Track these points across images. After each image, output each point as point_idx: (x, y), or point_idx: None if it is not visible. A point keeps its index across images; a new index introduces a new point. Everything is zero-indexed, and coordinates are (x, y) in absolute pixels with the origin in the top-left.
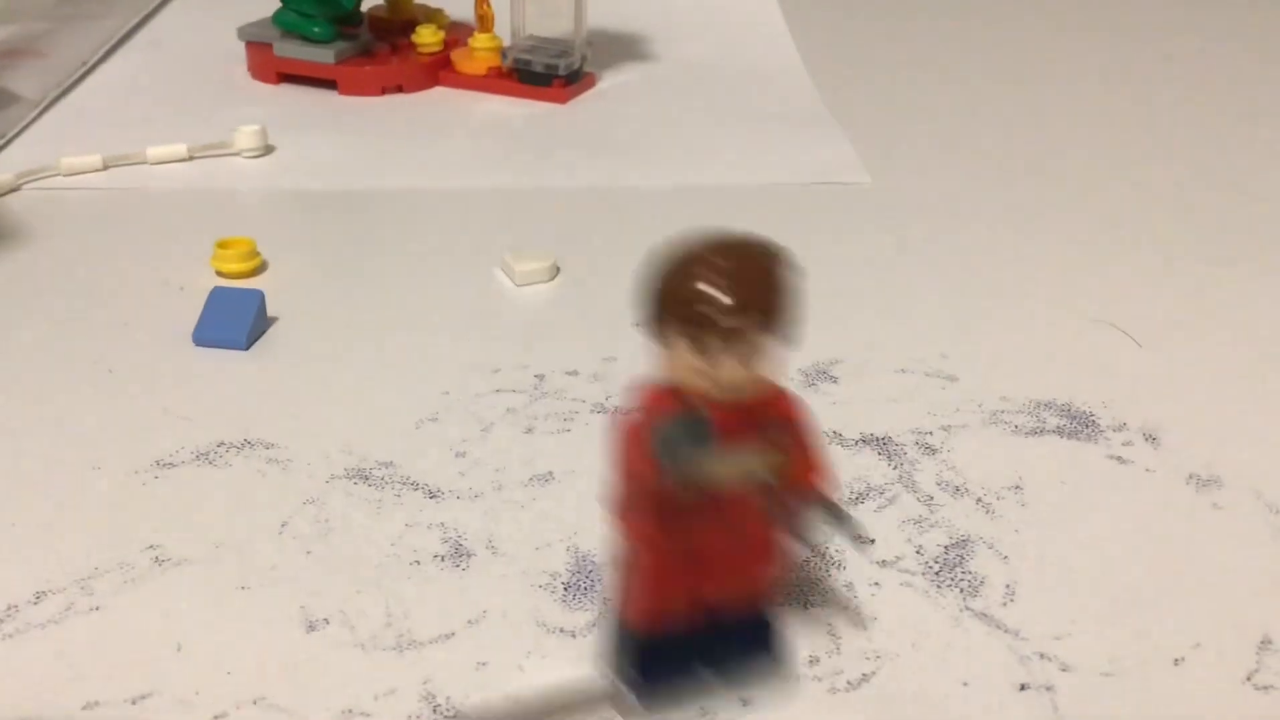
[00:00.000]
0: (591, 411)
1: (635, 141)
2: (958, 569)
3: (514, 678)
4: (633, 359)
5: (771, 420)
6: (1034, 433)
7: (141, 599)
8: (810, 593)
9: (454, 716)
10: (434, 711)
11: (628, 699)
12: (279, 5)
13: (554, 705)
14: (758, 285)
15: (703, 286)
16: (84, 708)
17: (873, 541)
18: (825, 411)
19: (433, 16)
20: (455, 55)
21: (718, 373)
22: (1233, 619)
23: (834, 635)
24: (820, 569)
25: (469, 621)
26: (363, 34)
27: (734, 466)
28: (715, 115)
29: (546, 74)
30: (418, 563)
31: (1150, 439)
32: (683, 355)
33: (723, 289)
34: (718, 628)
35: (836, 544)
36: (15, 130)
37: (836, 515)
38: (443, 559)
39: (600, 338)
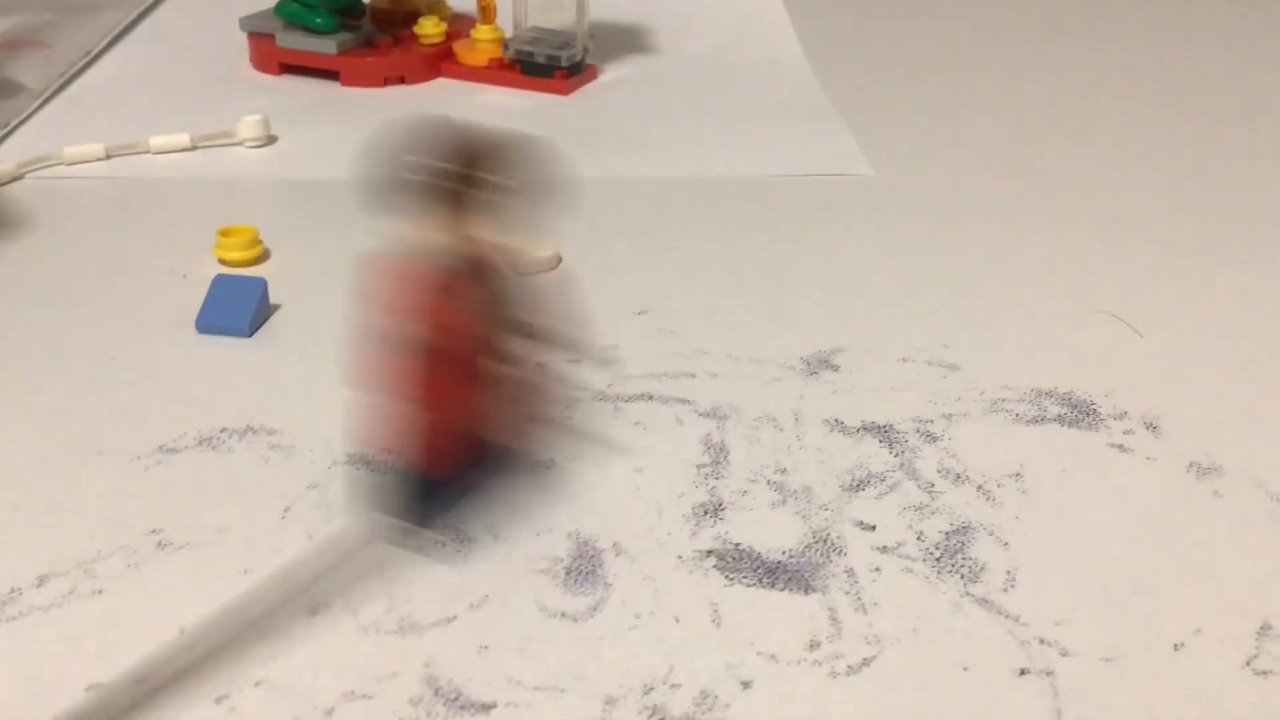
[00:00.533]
0: (594, 399)
1: (637, 133)
2: (959, 555)
3: (514, 661)
4: (633, 347)
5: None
6: (1035, 421)
7: (144, 583)
8: (810, 576)
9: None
10: (435, 694)
11: (415, 534)
12: None
13: (329, 560)
14: (489, 152)
15: (444, 159)
16: (86, 689)
17: (611, 360)
18: (827, 400)
19: (435, 8)
20: (457, 46)
21: (469, 231)
22: (1232, 605)
23: (835, 620)
24: (820, 554)
25: (471, 605)
26: (365, 25)
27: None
28: (717, 107)
29: (549, 65)
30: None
31: (1151, 427)
32: (433, 223)
33: (463, 157)
34: (475, 463)
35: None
36: (18, 120)
37: (574, 345)
38: (444, 544)
39: (602, 326)
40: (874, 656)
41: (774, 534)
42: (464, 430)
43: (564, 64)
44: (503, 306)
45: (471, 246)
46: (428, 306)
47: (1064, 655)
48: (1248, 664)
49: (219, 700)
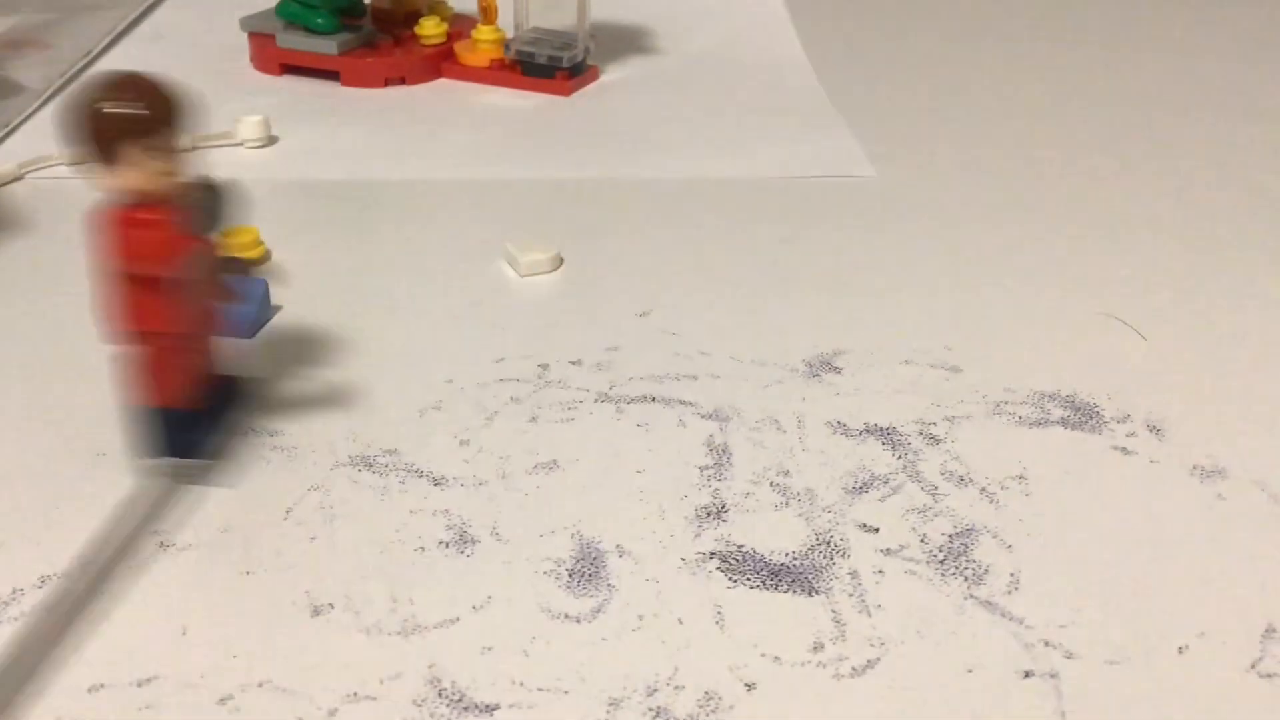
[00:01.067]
0: (595, 401)
1: (638, 134)
2: (962, 558)
3: (518, 663)
4: (636, 349)
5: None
6: (1038, 424)
7: (146, 584)
8: (814, 578)
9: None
10: (439, 696)
11: (181, 468)
12: None
13: (130, 524)
14: (169, 97)
15: (139, 106)
16: (89, 690)
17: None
18: (830, 402)
19: (436, 8)
20: (458, 47)
21: (176, 169)
22: (1237, 608)
23: (838, 622)
24: (824, 556)
25: (473, 607)
26: (366, 25)
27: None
28: (719, 108)
29: (550, 66)
30: (422, 549)
31: (1154, 430)
32: (142, 166)
33: (152, 103)
34: (206, 394)
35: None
36: (19, 120)
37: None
38: (447, 545)
39: (604, 327)
40: (878, 659)
41: (777, 536)
42: (183, 359)
43: (565, 65)
44: (194, 235)
45: (163, 182)
46: (122, 238)
47: (1068, 658)
48: (1252, 667)
49: (222, 701)
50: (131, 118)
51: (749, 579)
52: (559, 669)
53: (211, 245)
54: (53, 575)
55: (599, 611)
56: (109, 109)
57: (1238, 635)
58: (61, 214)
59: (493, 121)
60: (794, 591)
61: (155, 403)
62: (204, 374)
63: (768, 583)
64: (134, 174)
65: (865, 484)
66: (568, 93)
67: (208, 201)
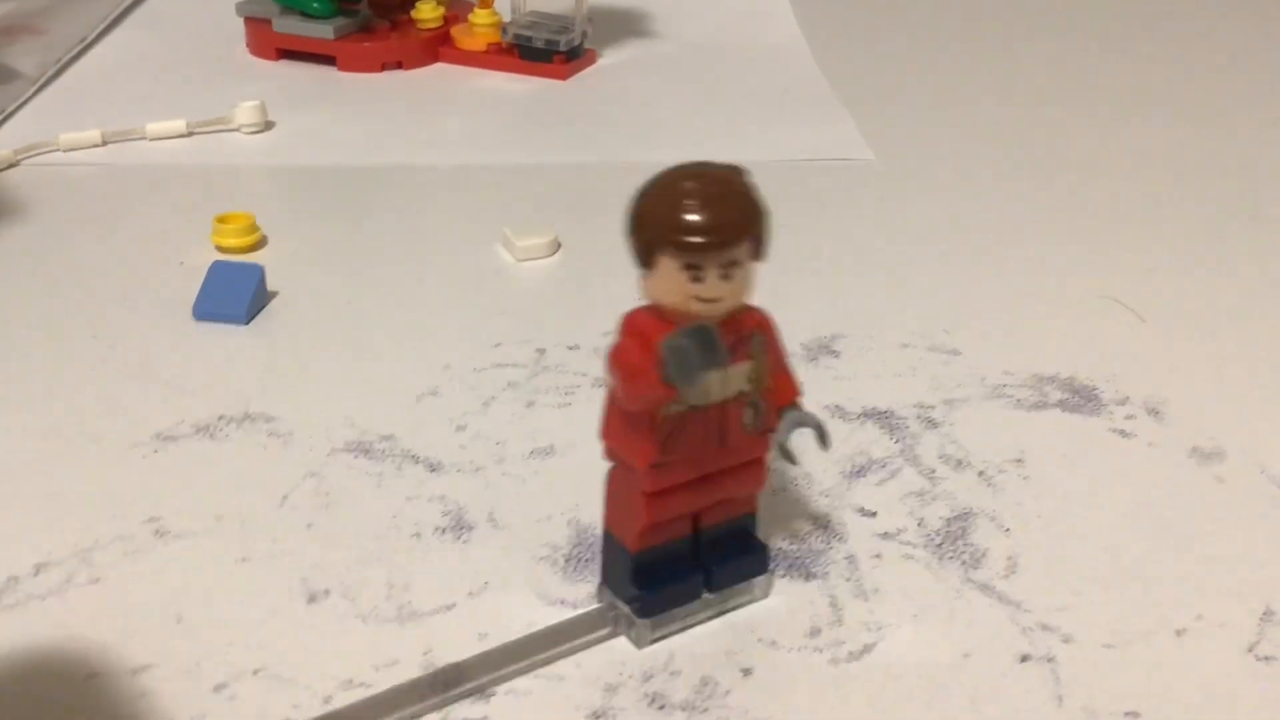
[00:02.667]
0: (593, 385)
1: (636, 118)
2: (959, 541)
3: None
4: None
5: (749, 333)
6: (1036, 407)
7: (142, 571)
8: (811, 563)
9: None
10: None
11: (629, 619)
12: None
13: (560, 640)
14: (739, 205)
15: (693, 210)
16: (85, 678)
17: (831, 446)
18: (827, 386)
19: None
20: (455, 31)
21: (707, 292)
22: (1235, 591)
23: (835, 606)
24: (821, 540)
25: (470, 593)
26: (362, 10)
27: (731, 379)
28: (717, 92)
29: (547, 50)
30: (419, 535)
31: (1153, 413)
32: (672, 277)
33: (712, 211)
34: (703, 539)
35: (810, 451)
36: (14, 106)
37: (809, 423)
38: (444, 531)
39: (601, 312)
40: (875, 643)
41: (774, 521)
42: (647, 497)
43: (562, 48)
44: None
45: (695, 308)
46: (616, 342)
47: (1066, 641)
48: (1250, 650)
49: (217, 689)
50: (675, 225)
51: None
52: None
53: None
54: (48, 563)
55: (594, 598)
56: (653, 212)
57: (1236, 618)
58: (57, 200)
59: (490, 106)
60: (791, 576)
61: (607, 526)
62: (679, 522)
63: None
64: (663, 287)
65: (863, 468)
66: (565, 77)
67: (694, 350)
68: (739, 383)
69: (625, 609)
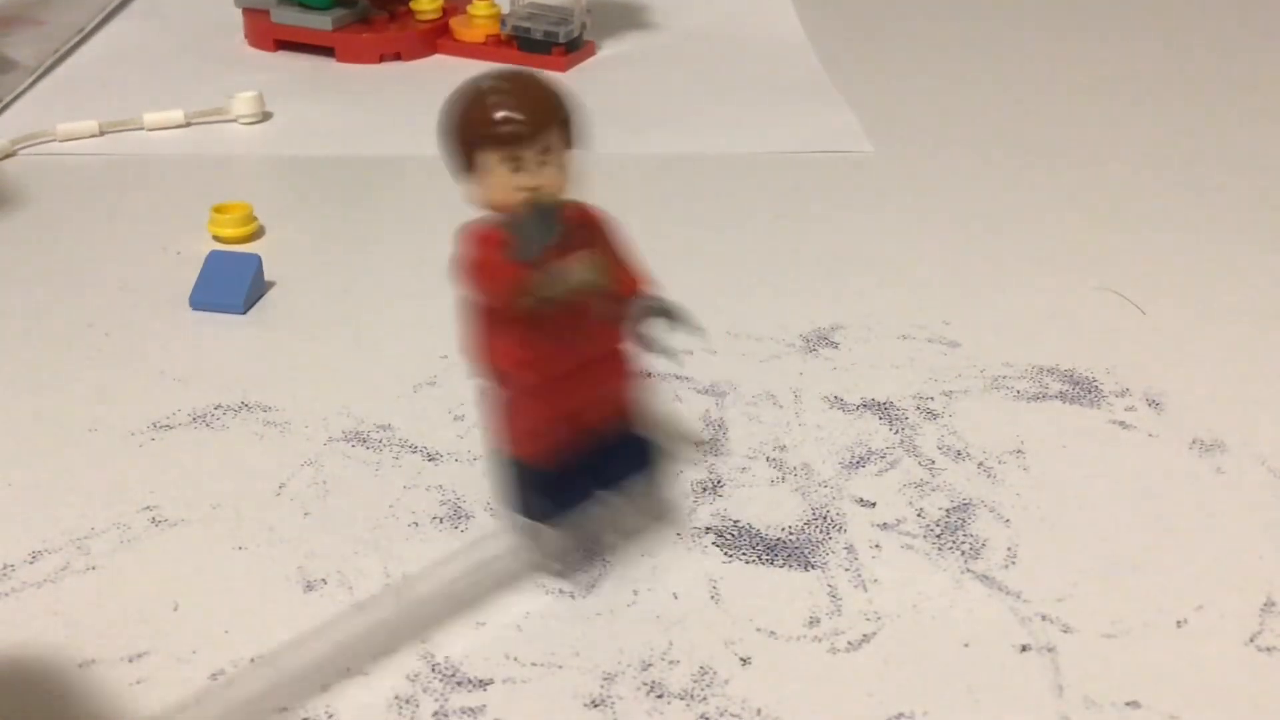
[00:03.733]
0: None
1: (635, 110)
2: (959, 532)
3: (512, 638)
4: None
5: (583, 225)
6: (1036, 398)
7: (138, 559)
8: (810, 553)
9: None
10: (432, 671)
11: (542, 534)
12: None
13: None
14: (544, 96)
15: (502, 106)
16: (80, 666)
17: (703, 330)
18: (827, 377)
19: None
20: (454, 23)
21: (528, 181)
22: (1236, 581)
23: (834, 596)
24: (820, 530)
25: (467, 582)
26: (361, 1)
27: (578, 273)
28: (716, 84)
29: (546, 42)
30: (416, 524)
31: (1153, 404)
32: (493, 173)
33: (519, 103)
34: (595, 445)
35: (673, 341)
36: (12, 96)
37: (667, 310)
38: (441, 521)
39: None
40: (874, 633)
41: (773, 511)
42: (541, 406)
43: (561, 40)
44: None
45: (519, 199)
46: (460, 256)
47: (1065, 632)
48: (1251, 640)
49: (214, 676)
50: (487, 122)
51: (745, 553)
52: (553, 644)
53: (550, 273)
54: (44, 551)
55: (594, 586)
56: (463, 117)
57: (1236, 609)
58: (55, 190)
59: None
60: (790, 566)
61: (506, 453)
62: (573, 428)
63: (764, 557)
64: (486, 185)
65: (862, 458)
66: (564, 68)
67: (535, 224)
68: (583, 272)
69: (533, 526)
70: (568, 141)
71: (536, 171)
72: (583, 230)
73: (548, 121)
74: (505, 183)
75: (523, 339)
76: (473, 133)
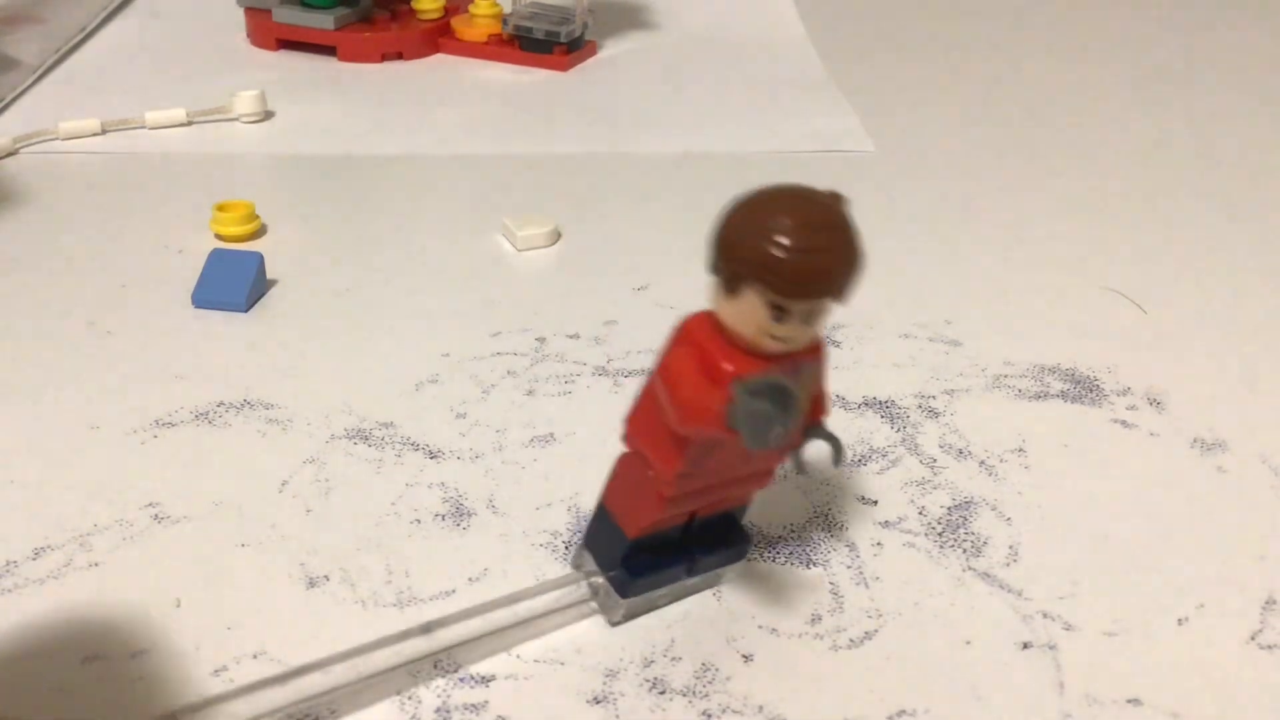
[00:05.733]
0: (593, 374)
1: (637, 109)
2: (960, 530)
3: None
4: (633, 323)
5: (807, 363)
6: (1037, 397)
7: (140, 556)
8: (812, 551)
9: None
10: (434, 667)
11: (606, 591)
12: None
13: (535, 610)
14: (840, 252)
15: (794, 252)
16: (83, 662)
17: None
18: (828, 375)
19: None
20: (455, 22)
21: (787, 334)
22: (1237, 580)
23: (836, 594)
24: (822, 528)
25: (469, 579)
26: (363, 0)
27: (779, 425)
28: (718, 83)
29: (548, 41)
30: (418, 521)
31: (1154, 403)
32: (753, 311)
33: (814, 258)
34: (695, 527)
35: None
36: (13, 95)
37: (834, 440)
38: (443, 518)
39: (601, 302)
40: (876, 630)
41: (775, 509)
42: (658, 491)
43: (563, 39)
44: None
45: (770, 347)
46: (673, 355)
47: (1067, 629)
48: (1252, 638)
49: (216, 673)
50: (769, 264)
51: (747, 551)
52: (555, 640)
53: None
54: (47, 547)
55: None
56: (749, 243)
57: (1237, 607)
58: (56, 189)
59: (490, 96)
60: (792, 563)
61: (607, 503)
62: (673, 516)
63: (765, 555)
64: (740, 317)
65: (864, 457)
66: (565, 68)
67: (768, 415)
68: (785, 422)
69: (604, 582)
70: (839, 298)
71: (798, 328)
72: (801, 364)
73: (836, 289)
74: (759, 325)
75: (690, 458)
76: (752, 266)
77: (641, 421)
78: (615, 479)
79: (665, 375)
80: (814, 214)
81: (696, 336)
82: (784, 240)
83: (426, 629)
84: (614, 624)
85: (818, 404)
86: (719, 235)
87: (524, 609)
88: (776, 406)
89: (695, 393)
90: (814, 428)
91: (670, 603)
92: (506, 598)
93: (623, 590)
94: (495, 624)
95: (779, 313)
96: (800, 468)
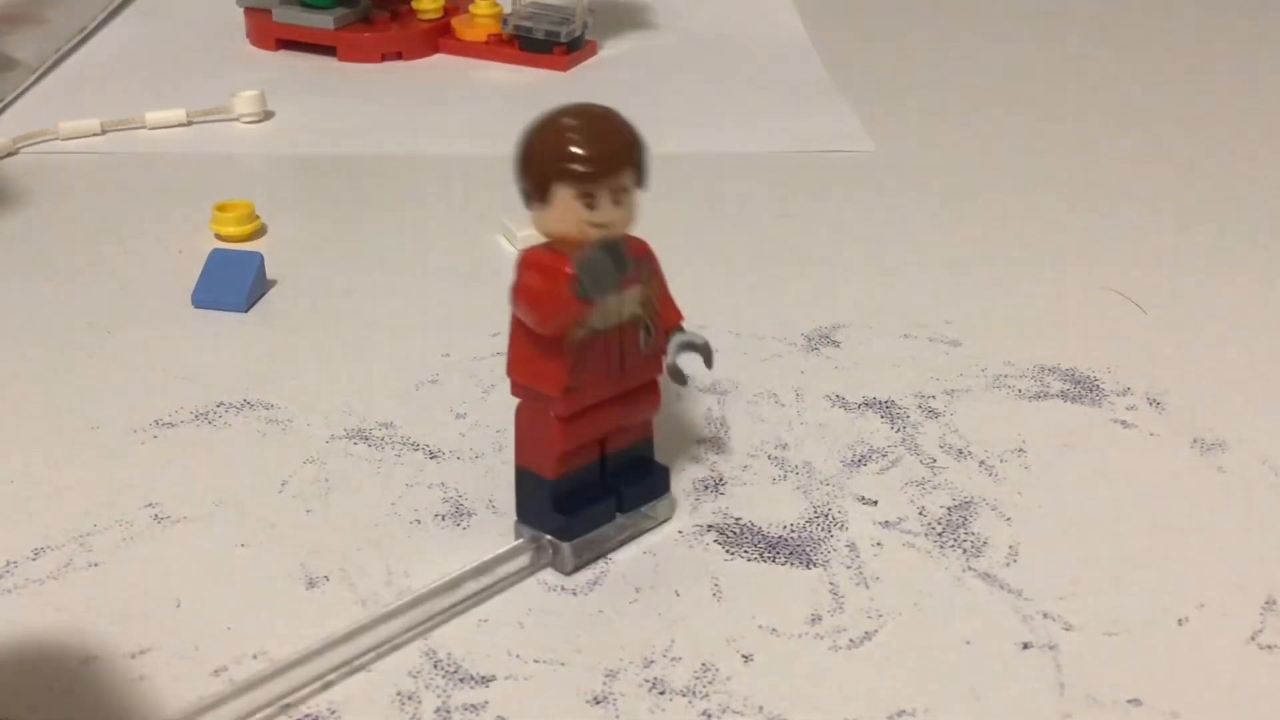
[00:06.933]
0: None
1: (637, 109)
2: (960, 530)
3: (514, 635)
4: None
5: (636, 259)
6: (1037, 397)
7: (140, 556)
8: (812, 551)
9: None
10: (434, 667)
11: (553, 546)
12: None
13: (491, 574)
14: (621, 135)
15: (583, 143)
16: (82, 662)
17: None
18: (828, 375)
19: None
20: (456, 22)
21: (601, 218)
22: (1237, 580)
23: (836, 594)
24: (822, 528)
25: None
26: (363, 0)
27: (626, 302)
28: (718, 83)
29: (548, 41)
30: (418, 521)
31: (1155, 403)
32: (566, 206)
33: (600, 141)
34: (609, 465)
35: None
36: (14, 94)
37: (700, 346)
38: (443, 518)
39: None
40: (875, 630)
41: (775, 509)
42: (560, 424)
43: (563, 40)
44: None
45: (589, 234)
46: (518, 280)
47: (1067, 629)
48: (1252, 639)
49: (216, 672)
50: (569, 157)
51: (746, 551)
52: (555, 641)
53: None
54: (46, 548)
55: (596, 584)
56: (546, 148)
57: (1238, 607)
58: (57, 189)
59: (490, 97)
60: (792, 564)
61: (520, 463)
62: (588, 448)
63: (765, 555)
64: (558, 217)
65: (864, 457)
66: (565, 68)
67: (604, 264)
68: (633, 305)
69: (547, 538)
70: (639, 181)
71: (609, 209)
72: (635, 265)
73: (625, 161)
74: (577, 218)
75: (569, 367)
76: (551, 165)
77: (516, 359)
78: (519, 435)
79: (518, 296)
80: (590, 110)
81: (533, 258)
82: (572, 134)
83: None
84: (568, 573)
85: (669, 308)
86: (521, 157)
87: (476, 584)
88: (606, 254)
89: (543, 287)
90: (675, 332)
91: (618, 547)
92: (454, 579)
93: (562, 534)
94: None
95: (589, 199)
96: (676, 377)
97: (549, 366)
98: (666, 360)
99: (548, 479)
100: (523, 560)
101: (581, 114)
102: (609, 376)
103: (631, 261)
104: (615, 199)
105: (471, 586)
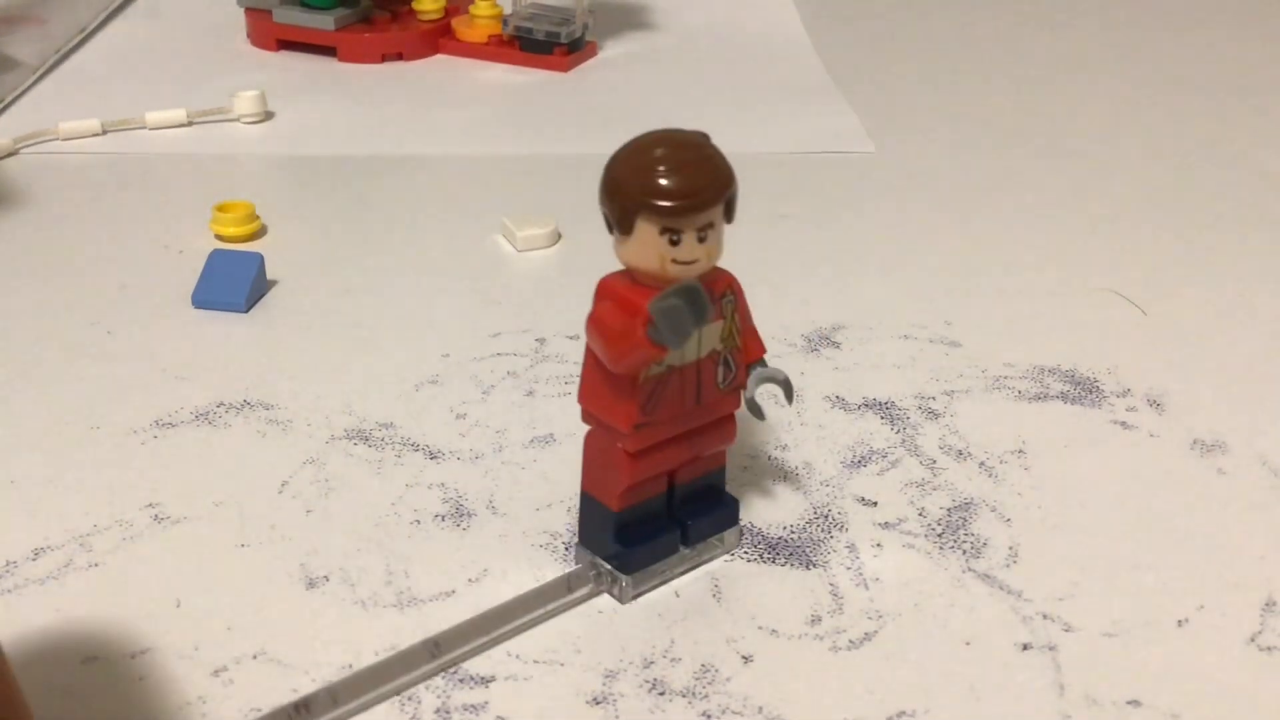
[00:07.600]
0: None
1: (637, 110)
2: (960, 531)
3: (513, 635)
4: None
5: (721, 294)
6: (1037, 398)
7: (141, 556)
8: (812, 552)
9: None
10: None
11: (612, 576)
12: None
13: (543, 603)
14: (712, 170)
15: (669, 176)
16: (83, 662)
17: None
18: (828, 376)
19: None
20: (456, 23)
21: (684, 255)
22: (1236, 581)
23: (836, 595)
24: (821, 529)
25: (469, 580)
26: (363, 1)
27: (706, 337)
28: (719, 84)
29: (548, 42)
30: (418, 522)
31: (1154, 404)
32: (649, 242)
33: (688, 176)
34: (678, 495)
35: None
36: (14, 95)
37: (777, 378)
38: (443, 518)
39: None
40: (875, 631)
41: (775, 510)
42: (626, 457)
43: (563, 40)
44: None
45: (673, 271)
46: (595, 308)
47: (1066, 630)
48: (1252, 640)
49: (216, 673)
50: (655, 191)
51: (746, 552)
52: (555, 641)
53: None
54: (47, 548)
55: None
56: (631, 179)
57: (1237, 608)
58: (57, 189)
59: (490, 97)
60: (792, 565)
61: (586, 487)
62: (657, 479)
63: (765, 556)
64: (640, 251)
65: (863, 458)
66: (566, 68)
67: (684, 312)
68: (713, 341)
69: (607, 567)
70: (728, 217)
71: (694, 247)
72: (717, 297)
73: (714, 198)
74: (659, 254)
75: (641, 405)
76: (636, 198)
77: (589, 389)
78: (586, 460)
79: (592, 328)
80: (679, 140)
81: (611, 288)
82: (660, 166)
83: (434, 649)
84: (626, 603)
85: (752, 342)
86: (605, 185)
87: (532, 614)
88: (685, 301)
89: (619, 326)
90: (757, 366)
91: (679, 576)
92: (515, 603)
93: (623, 566)
94: (504, 630)
95: (673, 235)
96: (755, 412)
97: (620, 401)
98: (745, 394)
99: (612, 510)
100: (582, 592)
101: (672, 142)
102: (683, 411)
103: (711, 305)
104: (701, 236)
105: (533, 614)
